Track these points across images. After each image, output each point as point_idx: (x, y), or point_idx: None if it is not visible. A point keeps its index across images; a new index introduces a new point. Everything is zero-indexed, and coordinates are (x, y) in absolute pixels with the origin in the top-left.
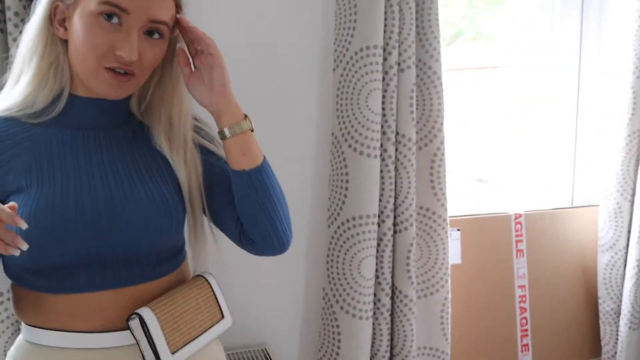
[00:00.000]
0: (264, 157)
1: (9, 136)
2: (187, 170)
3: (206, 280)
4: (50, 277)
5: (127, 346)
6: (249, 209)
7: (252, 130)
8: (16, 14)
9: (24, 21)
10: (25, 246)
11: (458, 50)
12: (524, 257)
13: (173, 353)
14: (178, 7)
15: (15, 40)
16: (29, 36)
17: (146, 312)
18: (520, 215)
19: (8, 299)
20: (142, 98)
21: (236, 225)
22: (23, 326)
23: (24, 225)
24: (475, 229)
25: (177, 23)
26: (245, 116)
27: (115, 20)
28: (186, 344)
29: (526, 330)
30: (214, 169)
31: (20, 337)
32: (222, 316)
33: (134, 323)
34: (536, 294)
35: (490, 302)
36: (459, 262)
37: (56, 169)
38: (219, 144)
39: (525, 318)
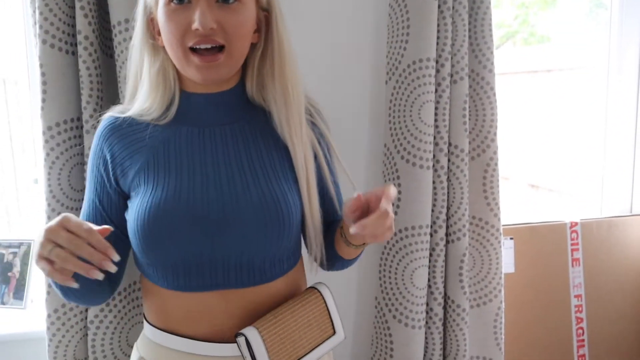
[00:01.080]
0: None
1: (132, 132)
2: (304, 157)
3: (320, 294)
4: (166, 273)
5: (233, 357)
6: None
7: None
8: (86, 37)
9: (92, 45)
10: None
11: (510, 53)
12: (580, 266)
13: None
14: None
15: (84, 62)
16: (135, 53)
17: (252, 333)
18: (576, 224)
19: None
20: (254, 81)
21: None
22: (145, 323)
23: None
24: (529, 237)
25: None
26: None
27: (185, 1)
28: None
29: (583, 340)
30: (323, 195)
31: (143, 332)
32: (334, 331)
33: (241, 341)
34: (593, 304)
35: (545, 311)
36: (512, 271)
37: (171, 168)
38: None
39: (582, 328)
